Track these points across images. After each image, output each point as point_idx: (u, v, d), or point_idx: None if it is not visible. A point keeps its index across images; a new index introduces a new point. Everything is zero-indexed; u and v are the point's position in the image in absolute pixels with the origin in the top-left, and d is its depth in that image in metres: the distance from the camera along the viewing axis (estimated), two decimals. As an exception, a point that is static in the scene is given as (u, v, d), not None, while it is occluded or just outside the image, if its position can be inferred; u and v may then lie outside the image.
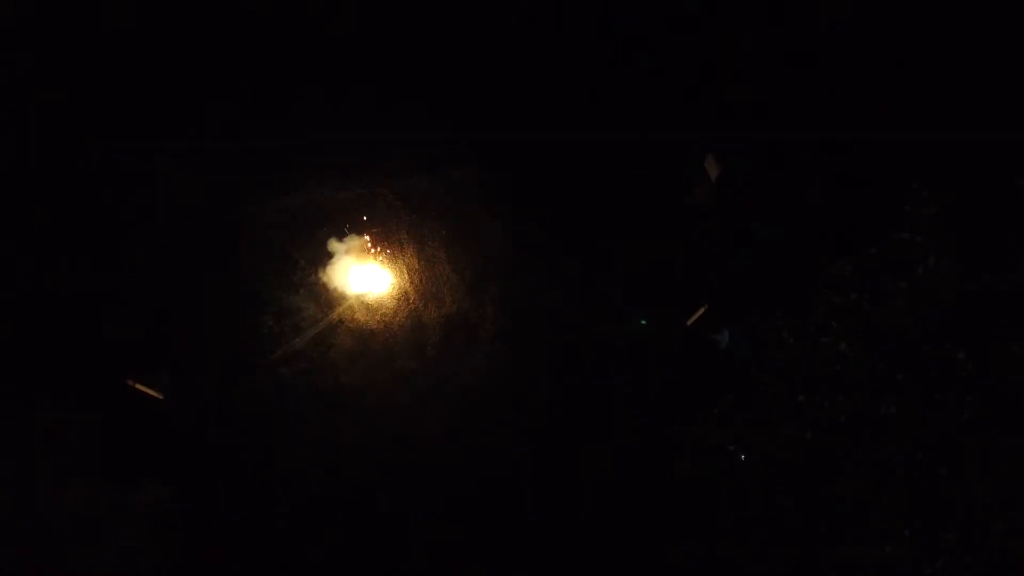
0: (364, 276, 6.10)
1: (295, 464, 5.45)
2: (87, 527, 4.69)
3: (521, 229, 6.03)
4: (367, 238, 6.14)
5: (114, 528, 4.74)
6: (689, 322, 5.94)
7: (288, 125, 6.34)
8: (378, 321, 5.99)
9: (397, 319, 5.97)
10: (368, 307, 6.04)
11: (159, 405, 5.52)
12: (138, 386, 5.54)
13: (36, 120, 6.16)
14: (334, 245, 6.15)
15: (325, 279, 6.11)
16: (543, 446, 5.50)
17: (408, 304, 6.01)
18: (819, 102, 5.87)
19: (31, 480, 4.74)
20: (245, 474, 5.33)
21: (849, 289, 4.77)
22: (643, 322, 5.95)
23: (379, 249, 6.14)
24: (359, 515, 5.27)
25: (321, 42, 6.18)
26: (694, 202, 5.74)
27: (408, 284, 6.08)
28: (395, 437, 5.55)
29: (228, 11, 5.97)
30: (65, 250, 5.81)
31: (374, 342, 5.91)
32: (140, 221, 6.03)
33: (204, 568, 5.04)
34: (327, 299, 6.07)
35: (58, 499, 4.77)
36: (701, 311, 5.91)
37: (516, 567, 5.27)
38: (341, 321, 5.98)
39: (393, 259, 6.12)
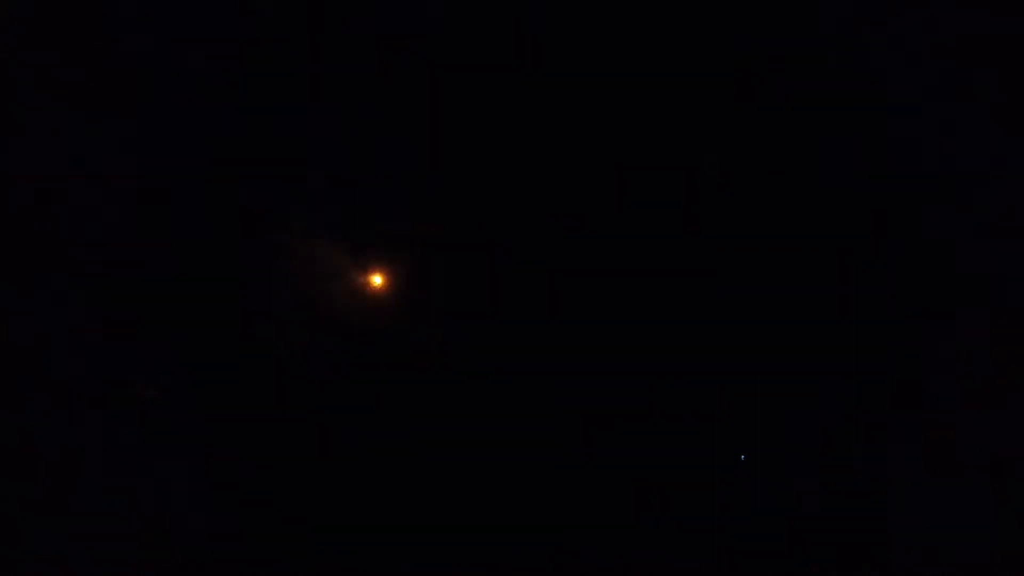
0: (364, 276, 6.08)
1: (294, 464, 5.47)
2: (87, 527, 4.72)
3: (521, 229, 6.04)
4: (367, 238, 6.12)
5: (114, 528, 4.77)
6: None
7: (286, 123, 6.31)
8: (378, 321, 5.98)
9: (397, 319, 5.96)
10: (368, 307, 6.04)
11: (159, 405, 5.53)
12: (138, 386, 5.54)
13: (36, 118, 6.14)
14: (334, 245, 6.12)
15: (324, 278, 6.08)
16: (543, 446, 5.52)
17: (408, 304, 6.00)
18: (819, 102, 5.88)
19: (31, 480, 4.76)
20: (244, 474, 5.35)
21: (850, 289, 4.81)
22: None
23: (379, 249, 6.12)
24: (359, 516, 5.30)
25: (321, 41, 6.17)
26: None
27: (408, 284, 6.08)
28: (396, 437, 5.57)
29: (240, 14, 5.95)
30: (65, 250, 5.80)
31: (374, 342, 5.91)
32: (138, 219, 6.02)
33: (205, 568, 5.07)
34: (326, 299, 6.05)
35: (57, 499, 4.78)
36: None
37: (514, 566, 5.31)
38: (341, 321, 5.97)
39: (393, 259, 6.10)
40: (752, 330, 4.98)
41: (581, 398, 5.37)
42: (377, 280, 5.78)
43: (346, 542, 5.18)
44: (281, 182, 5.67)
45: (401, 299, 5.78)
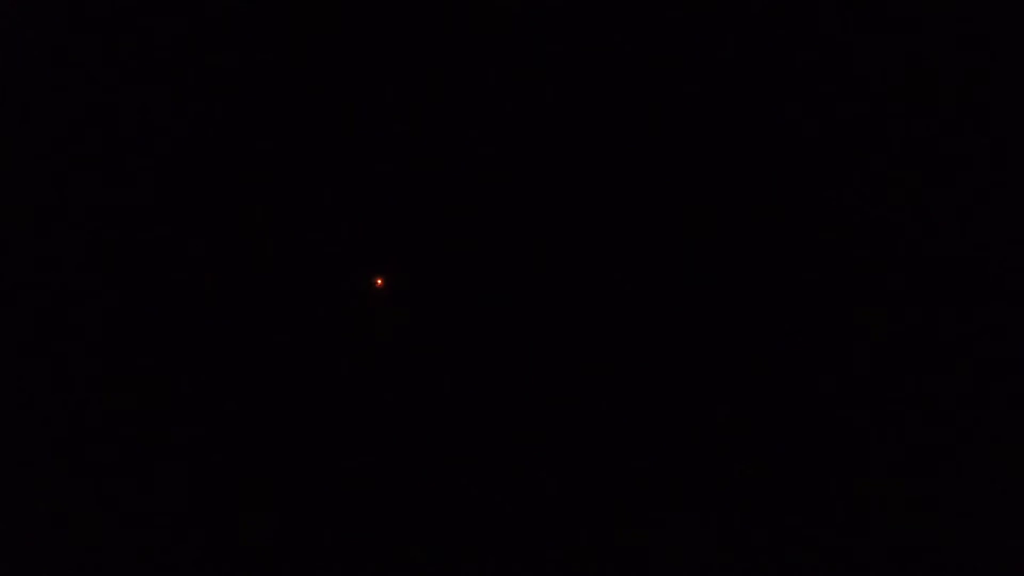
0: (364, 275, 6.08)
1: (296, 465, 5.47)
2: (87, 527, 4.74)
3: (523, 229, 6.04)
4: (368, 237, 6.13)
5: (114, 528, 4.79)
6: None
7: (284, 124, 6.32)
8: (378, 321, 5.98)
9: (398, 319, 5.97)
10: (368, 306, 6.04)
11: (160, 403, 5.54)
12: (139, 383, 5.54)
13: (36, 118, 6.16)
14: (333, 244, 6.13)
15: (325, 279, 6.08)
16: (544, 446, 5.51)
17: (409, 304, 6.00)
18: (818, 105, 5.88)
19: (31, 480, 4.79)
20: (246, 474, 5.35)
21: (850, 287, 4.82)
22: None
23: (380, 248, 6.12)
24: (360, 516, 5.29)
25: (324, 40, 6.18)
26: None
27: (408, 284, 6.08)
28: (397, 438, 5.56)
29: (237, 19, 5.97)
30: (64, 247, 5.81)
31: (374, 343, 5.91)
32: (136, 216, 6.03)
33: (205, 568, 5.07)
34: (326, 298, 6.05)
35: (57, 499, 4.80)
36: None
37: (510, 563, 5.31)
38: (341, 321, 5.97)
39: (394, 258, 6.11)
40: (749, 329, 4.99)
41: (580, 398, 5.39)
42: (378, 282, 5.79)
43: (346, 542, 5.20)
44: (280, 182, 5.69)
45: (401, 300, 5.79)
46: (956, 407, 4.58)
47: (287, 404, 5.56)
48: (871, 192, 5.05)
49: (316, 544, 5.23)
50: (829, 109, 5.22)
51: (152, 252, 5.60)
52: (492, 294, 5.69)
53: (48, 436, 4.93)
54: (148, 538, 4.88)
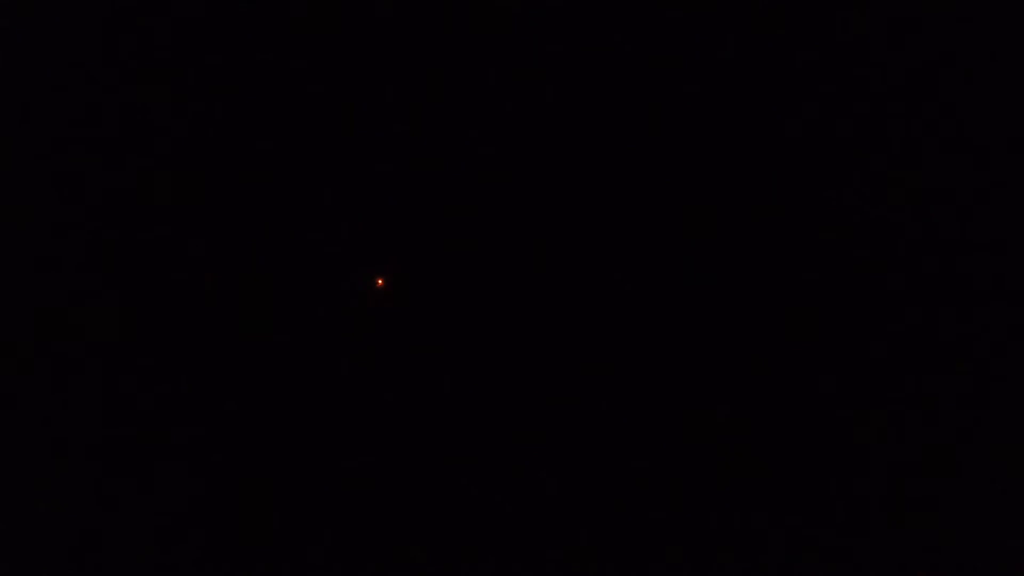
0: (364, 275, 6.06)
1: (296, 465, 5.46)
2: (87, 527, 4.73)
3: (523, 229, 6.02)
4: (368, 237, 6.11)
5: (114, 528, 4.77)
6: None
7: (284, 124, 6.29)
8: (379, 320, 5.96)
9: (399, 319, 5.95)
10: (368, 306, 6.02)
11: (160, 403, 5.53)
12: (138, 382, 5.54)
13: (36, 117, 6.14)
14: (333, 244, 6.11)
15: (325, 278, 6.06)
16: (544, 446, 5.49)
17: (410, 303, 5.99)
18: (818, 105, 5.87)
19: (30, 481, 4.77)
20: (245, 474, 5.34)
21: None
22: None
23: (380, 248, 6.11)
24: (361, 516, 5.28)
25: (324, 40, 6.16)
26: None
27: (408, 284, 6.07)
28: (397, 438, 5.55)
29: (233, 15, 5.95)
30: (64, 246, 5.80)
31: (375, 343, 5.89)
32: (137, 217, 6.01)
33: (205, 568, 5.06)
34: (326, 299, 6.03)
35: (57, 499, 4.79)
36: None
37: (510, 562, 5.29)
38: (341, 321, 5.95)
39: (394, 258, 6.09)
40: (748, 330, 4.98)
41: (580, 398, 5.37)
42: (379, 282, 5.77)
43: (346, 542, 5.18)
44: (281, 182, 5.67)
45: (401, 300, 5.77)
46: (956, 407, 4.57)
47: (288, 404, 5.54)
48: (871, 192, 5.04)
49: (316, 544, 5.23)
50: (829, 109, 5.21)
51: (152, 252, 5.58)
52: (492, 294, 5.68)
53: (48, 436, 4.94)
54: (148, 538, 4.88)
